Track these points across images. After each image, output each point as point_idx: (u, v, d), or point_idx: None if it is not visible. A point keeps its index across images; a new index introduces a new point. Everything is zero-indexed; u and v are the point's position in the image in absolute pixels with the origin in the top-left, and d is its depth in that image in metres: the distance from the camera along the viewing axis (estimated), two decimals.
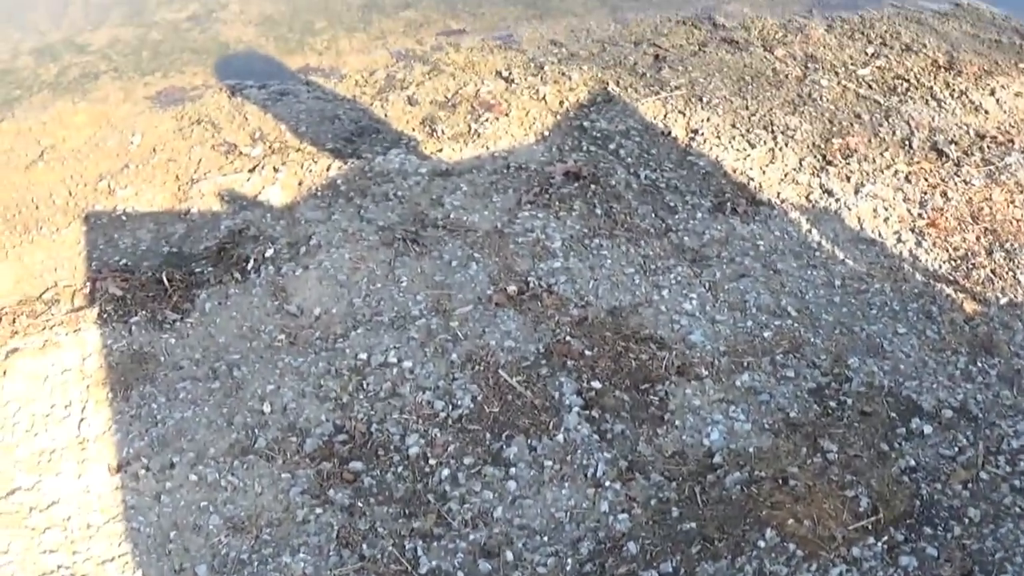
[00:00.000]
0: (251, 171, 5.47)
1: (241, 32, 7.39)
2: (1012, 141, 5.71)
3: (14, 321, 4.37)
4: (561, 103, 6.10)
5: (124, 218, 5.16)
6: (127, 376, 4.06)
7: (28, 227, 5.09)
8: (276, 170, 5.44)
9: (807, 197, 5.17)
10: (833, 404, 3.89)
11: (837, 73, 6.55)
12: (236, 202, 5.22)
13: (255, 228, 4.96)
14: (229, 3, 7.86)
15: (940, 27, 7.47)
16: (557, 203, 5.04)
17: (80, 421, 3.86)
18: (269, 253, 4.75)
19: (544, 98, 6.15)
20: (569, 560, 3.33)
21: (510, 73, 6.48)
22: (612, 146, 5.59)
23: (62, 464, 3.69)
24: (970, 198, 5.23)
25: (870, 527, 3.42)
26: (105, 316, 4.40)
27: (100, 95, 6.51)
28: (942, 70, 6.64)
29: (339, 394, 3.91)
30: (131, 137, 5.88)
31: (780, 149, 5.57)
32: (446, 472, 3.60)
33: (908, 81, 6.45)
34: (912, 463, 3.65)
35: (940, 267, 4.71)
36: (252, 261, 4.70)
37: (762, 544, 3.36)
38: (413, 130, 5.87)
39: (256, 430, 3.77)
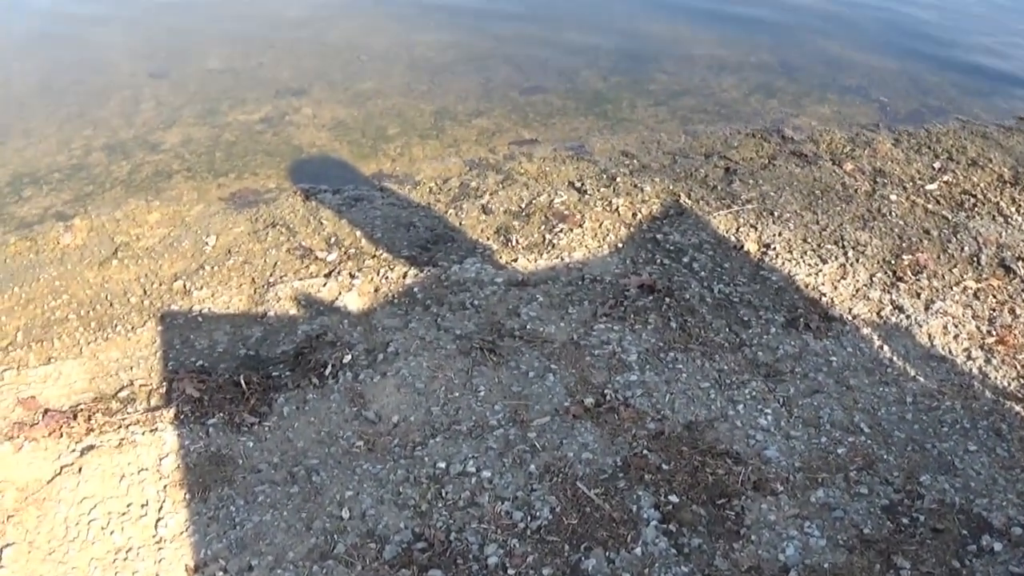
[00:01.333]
0: (327, 276, 5.52)
1: (314, 136, 7.52)
2: None
3: (90, 418, 4.41)
4: (634, 215, 6.16)
5: (200, 319, 5.20)
6: (205, 478, 4.08)
7: (103, 324, 5.15)
8: (352, 276, 5.49)
9: (878, 313, 5.20)
10: (906, 521, 3.88)
11: (905, 188, 6.60)
12: (313, 307, 5.26)
13: (332, 334, 4.99)
14: (301, 107, 8.05)
15: (1004, 141, 7.53)
16: (632, 316, 5.07)
17: (157, 521, 3.87)
18: (347, 359, 4.77)
19: (617, 210, 6.21)
20: None
21: (583, 184, 6.56)
22: (685, 259, 5.63)
23: (138, 563, 3.70)
24: None
25: None
26: (182, 417, 4.42)
27: (174, 194, 6.60)
28: (1008, 185, 6.69)
29: (418, 502, 3.91)
30: (206, 238, 5.96)
31: (851, 264, 5.62)
32: None
33: (975, 196, 6.50)
34: None
35: (1009, 384, 4.71)
36: (330, 367, 4.72)
37: None
38: (488, 239, 5.92)
39: (335, 535, 3.77)
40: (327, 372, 4.69)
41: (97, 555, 3.73)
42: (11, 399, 4.59)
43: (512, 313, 5.10)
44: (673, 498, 3.92)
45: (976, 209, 6.34)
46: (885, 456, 4.20)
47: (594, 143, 7.41)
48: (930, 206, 6.34)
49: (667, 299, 5.23)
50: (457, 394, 4.52)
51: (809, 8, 11.74)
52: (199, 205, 6.44)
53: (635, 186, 6.53)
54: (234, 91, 8.43)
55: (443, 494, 3.96)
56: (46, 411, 4.50)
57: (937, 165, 7.03)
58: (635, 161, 7.03)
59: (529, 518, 3.83)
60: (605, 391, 4.53)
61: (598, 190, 6.48)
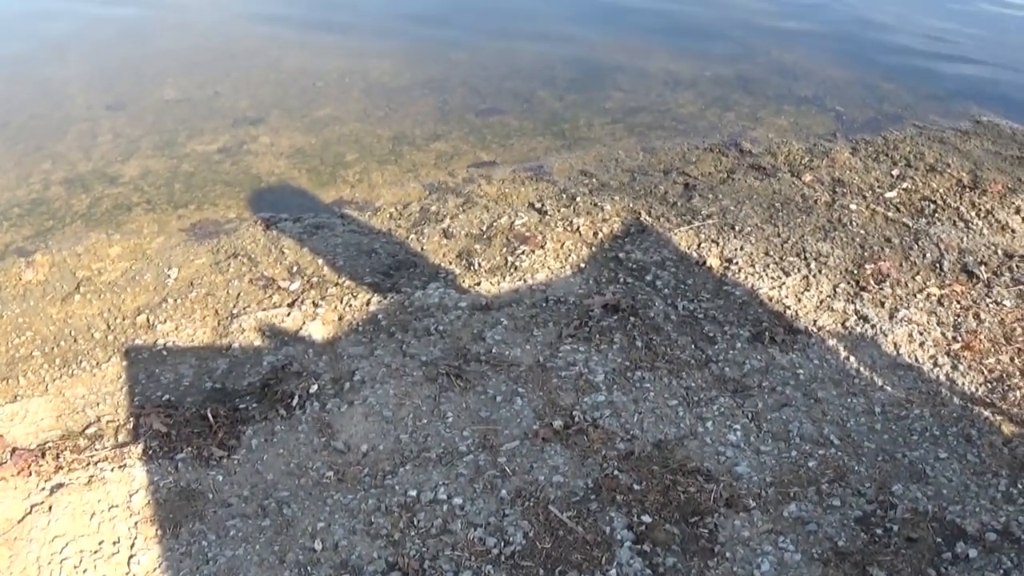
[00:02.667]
0: (291, 306, 5.50)
1: (273, 164, 7.50)
2: None
3: (58, 456, 4.37)
4: (595, 234, 6.17)
5: (165, 353, 5.16)
6: (176, 513, 4.04)
7: (67, 361, 5.11)
8: (316, 305, 5.48)
9: (843, 324, 5.22)
10: (880, 531, 3.89)
11: (865, 197, 6.65)
12: (277, 337, 5.23)
13: (298, 364, 4.97)
14: (259, 135, 8.02)
15: (962, 145, 7.60)
16: (598, 336, 5.06)
17: (130, 558, 3.83)
18: (313, 389, 4.75)
19: (578, 230, 6.22)
20: None
21: (543, 205, 6.57)
22: (648, 277, 5.64)
23: None
24: (1002, 319, 5.29)
25: None
26: (150, 452, 4.39)
27: (134, 227, 6.56)
28: (967, 190, 6.75)
29: (390, 531, 3.89)
30: (167, 271, 5.93)
31: (814, 276, 5.64)
32: None
33: (935, 202, 6.55)
34: None
35: (977, 390, 4.74)
36: (297, 397, 4.70)
37: None
38: (450, 263, 5.92)
39: (309, 567, 3.74)
40: (294, 403, 4.67)
41: None
42: None
43: (477, 337, 5.09)
44: (646, 518, 3.91)
45: (936, 215, 6.39)
46: (856, 467, 4.21)
47: (553, 163, 7.43)
48: (890, 214, 6.38)
49: (632, 318, 5.23)
50: (425, 421, 4.50)
51: (762, 19, 11.82)
52: (160, 237, 6.41)
53: (595, 205, 6.55)
54: (191, 121, 8.40)
55: (415, 522, 3.93)
56: (14, 450, 4.45)
57: (896, 172, 7.08)
58: (594, 180, 7.05)
59: (503, 543, 3.81)
60: (573, 413, 4.52)
61: (558, 210, 6.49)
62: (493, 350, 4.98)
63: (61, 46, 10.57)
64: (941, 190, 6.76)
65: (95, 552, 3.86)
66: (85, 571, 3.77)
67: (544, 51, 10.38)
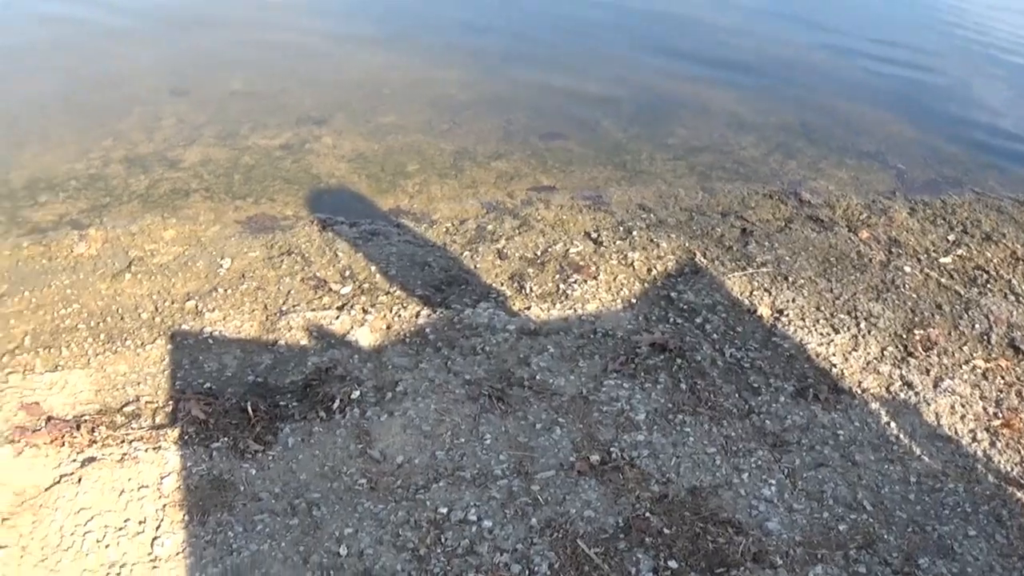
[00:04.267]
0: (340, 309, 5.52)
1: (333, 166, 7.55)
2: None
3: (93, 430, 4.40)
4: (649, 270, 6.17)
5: (211, 341, 5.19)
6: (205, 501, 4.06)
7: (112, 337, 5.16)
8: (365, 311, 5.49)
9: (887, 388, 5.20)
10: None
11: (919, 260, 6.62)
12: (324, 339, 5.25)
13: (342, 368, 4.98)
14: (322, 136, 8.08)
15: (1019, 216, 7.58)
16: (643, 374, 5.06)
17: (153, 539, 3.85)
18: (355, 395, 4.76)
19: (632, 264, 6.22)
20: None
21: (599, 235, 6.58)
22: (698, 320, 5.63)
23: None
24: None
25: None
26: (186, 438, 4.41)
27: (190, 213, 6.62)
28: (1020, 262, 6.72)
29: (417, 545, 3.89)
30: (220, 260, 5.97)
31: (863, 336, 5.63)
32: None
33: (988, 272, 6.51)
34: None
35: (1012, 469, 4.71)
36: (338, 401, 4.71)
37: None
38: (502, 285, 5.92)
39: (332, 572, 3.75)
40: (335, 406, 4.69)
41: (90, 567, 3.72)
42: (14, 403, 4.58)
43: (522, 362, 5.10)
44: (672, 563, 3.90)
45: (988, 286, 6.36)
46: (886, 536, 4.19)
47: (612, 194, 7.43)
48: (943, 280, 6.36)
49: (678, 359, 5.22)
50: (463, 440, 4.51)
51: (830, 70, 11.80)
52: (215, 226, 6.46)
53: (651, 241, 6.55)
54: (255, 114, 8.47)
55: (443, 540, 3.94)
56: (49, 418, 4.50)
57: (952, 238, 7.05)
58: (652, 215, 7.05)
59: (527, 572, 3.81)
60: (611, 449, 4.51)
61: (614, 242, 6.50)
62: (537, 376, 4.98)
63: (130, 28, 10.70)
64: (995, 260, 6.73)
65: (120, 529, 3.89)
66: (107, 546, 3.81)
67: (611, 78, 10.39)
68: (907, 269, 6.46)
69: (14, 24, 10.71)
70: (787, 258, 6.48)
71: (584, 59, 11.06)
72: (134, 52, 9.84)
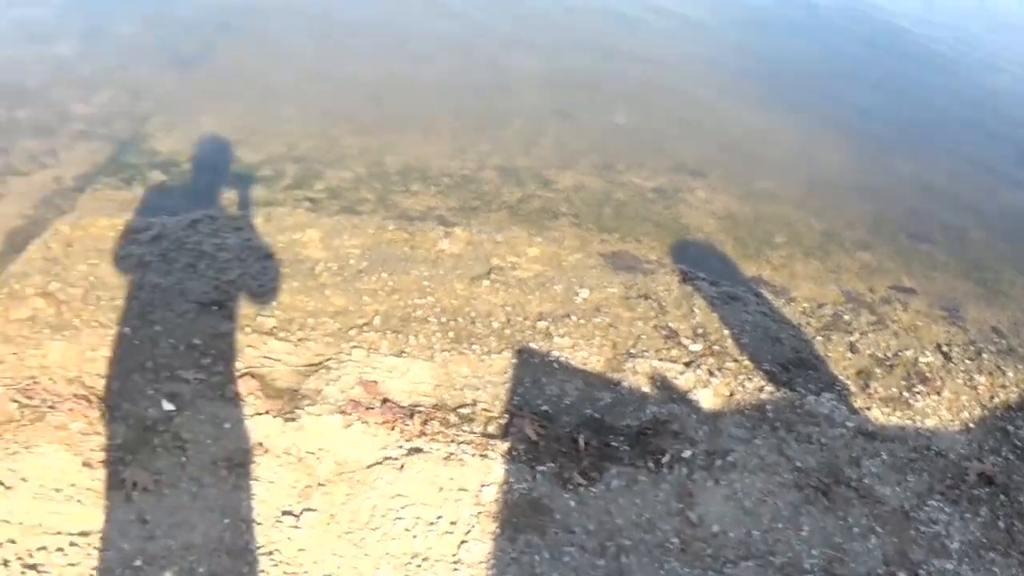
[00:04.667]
0: (687, 365, 5.68)
1: (703, 220, 7.73)
2: None
3: (426, 423, 4.70)
4: (992, 397, 6.09)
5: (555, 366, 5.41)
6: (519, 519, 4.26)
7: (460, 338, 5.47)
8: (711, 373, 5.63)
9: None
10: None
11: None
12: (666, 391, 5.41)
13: (678, 424, 5.13)
14: (696, 188, 8.27)
15: None
16: (965, 502, 5.02)
17: (461, 543, 4.07)
18: (686, 454, 4.91)
19: (976, 387, 6.15)
20: None
21: (950, 350, 6.54)
22: None
23: (430, 575, 3.93)
24: None
25: None
26: (515, 453, 4.65)
27: (556, 235, 6.89)
28: None
29: None
30: (578, 288, 6.19)
31: None
32: None
33: None
34: None
35: None
36: (668, 456, 4.86)
37: None
38: (848, 379, 5.96)
39: None
40: (664, 460, 4.85)
41: (393, 552, 3.99)
42: (354, 377, 4.96)
43: (854, 462, 5.15)
44: None
45: None
46: None
47: (968, 310, 7.36)
48: None
49: (1002, 496, 5.16)
50: (780, 525, 4.59)
51: None
52: (578, 254, 6.72)
53: (998, 368, 6.45)
54: (634, 152, 8.73)
55: None
56: (385, 400, 4.84)
57: None
58: (1004, 341, 6.94)
59: None
60: (919, 571, 4.53)
61: (963, 360, 6.44)
62: (865, 480, 5.03)
63: (522, 39, 11.18)
64: None
65: (431, 524, 4.16)
66: (415, 537, 4.07)
67: (986, 187, 10.12)
68: None
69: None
70: None
71: (961, 162, 10.76)
72: (522, 63, 10.34)
